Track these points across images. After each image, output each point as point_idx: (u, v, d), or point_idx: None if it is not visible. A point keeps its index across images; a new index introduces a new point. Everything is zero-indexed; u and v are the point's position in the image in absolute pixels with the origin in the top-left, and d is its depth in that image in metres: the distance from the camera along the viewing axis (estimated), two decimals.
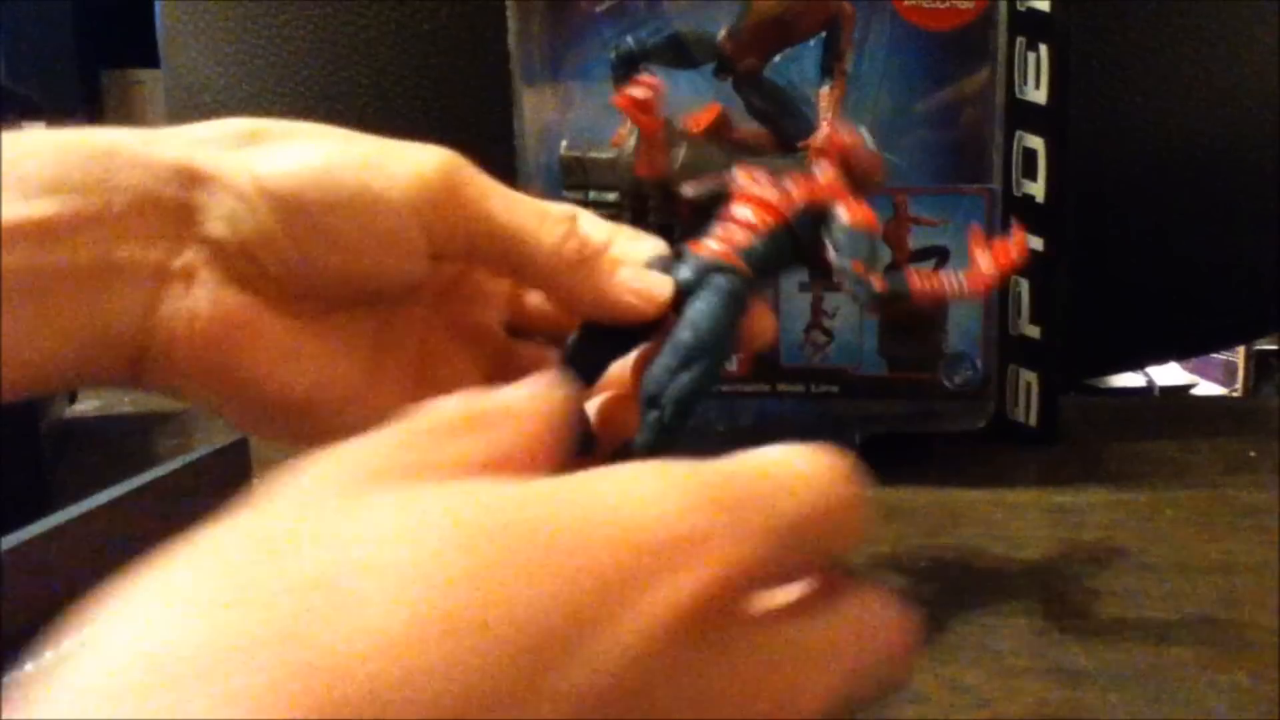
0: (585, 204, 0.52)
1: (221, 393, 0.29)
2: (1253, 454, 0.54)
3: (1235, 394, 1.90)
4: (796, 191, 0.33)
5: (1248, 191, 0.64)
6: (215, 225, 0.28)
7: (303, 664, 0.15)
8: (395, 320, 0.32)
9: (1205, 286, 0.67)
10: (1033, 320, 0.54)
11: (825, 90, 0.50)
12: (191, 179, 0.28)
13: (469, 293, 0.33)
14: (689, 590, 0.18)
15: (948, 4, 0.47)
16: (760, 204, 0.32)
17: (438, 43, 0.64)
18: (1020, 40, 0.52)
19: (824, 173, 0.34)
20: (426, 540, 0.17)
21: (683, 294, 0.30)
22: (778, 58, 0.51)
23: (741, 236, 0.31)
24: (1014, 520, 0.47)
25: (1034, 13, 0.52)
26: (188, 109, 0.70)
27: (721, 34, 0.51)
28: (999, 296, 0.53)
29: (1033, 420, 0.55)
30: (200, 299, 0.28)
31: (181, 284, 0.28)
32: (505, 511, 0.18)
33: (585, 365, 0.29)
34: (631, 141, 0.53)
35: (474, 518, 0.18)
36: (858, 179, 0.33)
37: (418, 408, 0.21)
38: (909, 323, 0.51)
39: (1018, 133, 0.53)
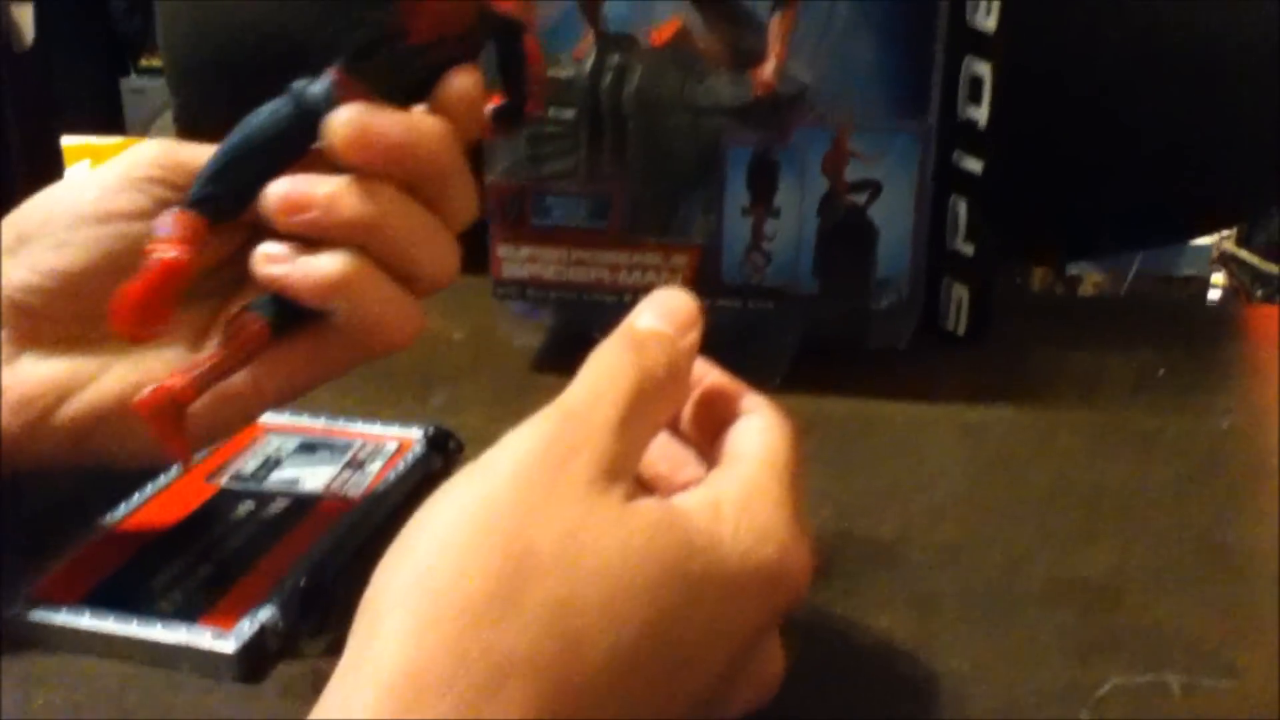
0: (544, 120, 0.55)
1: (64, 440, 0.36)
2: (1162, 370, 0.58)
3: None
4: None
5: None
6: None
7: (539, 689, 0.24)
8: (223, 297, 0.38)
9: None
10: (967, 239, 0.57)
11: (776, 19, 0.52)
12: None
13: None
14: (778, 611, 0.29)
15: None
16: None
17: None
18: None
19: None
20: (638, 586, 0.25)
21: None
22: None
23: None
24: (922, 435, 0.52)
25: None
26: None
27: None
28: (933, 217, 0.55)
29: (962, 329, 0.59)
30: (8, 376, 0.35)
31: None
32: (685, 562, 0.26)
33: None
34: (591, 58, 0.55)
35: (670, 569, 0.26)
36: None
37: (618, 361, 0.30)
38: (843, 249, 0.54)
39: (967, 58, 0.55)
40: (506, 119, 0.39)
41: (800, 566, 0.28)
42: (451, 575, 0.24)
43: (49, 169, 0.65)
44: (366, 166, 0.34)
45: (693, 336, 0.31)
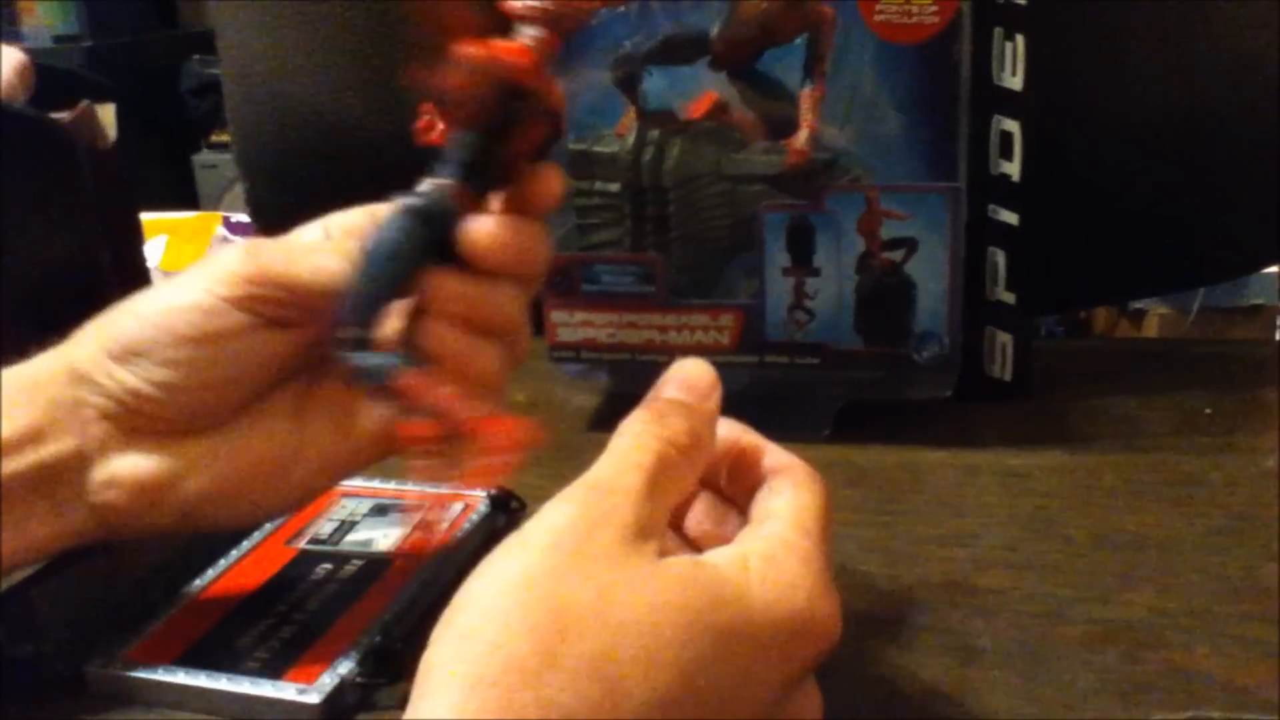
0: (591, 193, 0.58)
1: (172, 517, 0.39)
2: (1208, 411, 0.59)
3: None
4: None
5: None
6: (98, 401, 0.37)
7: None
8: (314, 377, 0.40)
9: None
10: (1008, 288, 0.59)
11: (806, 91, 0.55)
12: (72, 376, 0.38)
13: None
14: (809, 659, 0.30)
15: (914, 19, 0.51)
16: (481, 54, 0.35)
17: None
18: (998, 31, 0.55)
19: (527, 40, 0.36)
20: (670, 637, 0.27)
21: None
22: (767, 55, 0.55)
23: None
24: (967, 484, 0.53)
25: (1012, 5, 0.55)
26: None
27: (714, 32, 0.55)
28: (973, 267, 0.57)
29: (1008, 376, 0.61)
30: (116, 465, 0.38)
31: (99, 459, 0.38)
32: (714, 612, 0.28)
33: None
34: (633, 135, 0.58)
35: (699, 620, 0.28)
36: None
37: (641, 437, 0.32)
38: (882, 305, 0.56)
39: (995, 116, 0.57)
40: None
41: (827, 617, 0.30)
42: (495, 637, 0.26)
43: (131, 253, 0.70)
44: (499, 269, 0.37)
45: (713, 402, 0.34)
